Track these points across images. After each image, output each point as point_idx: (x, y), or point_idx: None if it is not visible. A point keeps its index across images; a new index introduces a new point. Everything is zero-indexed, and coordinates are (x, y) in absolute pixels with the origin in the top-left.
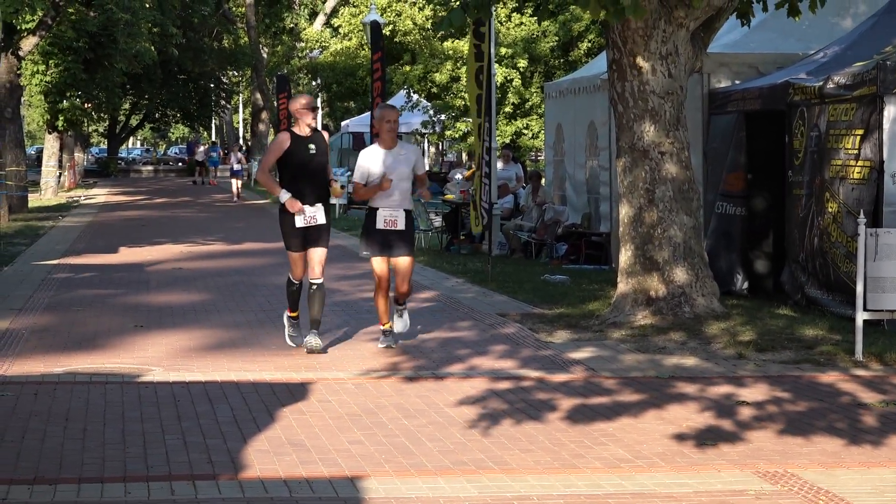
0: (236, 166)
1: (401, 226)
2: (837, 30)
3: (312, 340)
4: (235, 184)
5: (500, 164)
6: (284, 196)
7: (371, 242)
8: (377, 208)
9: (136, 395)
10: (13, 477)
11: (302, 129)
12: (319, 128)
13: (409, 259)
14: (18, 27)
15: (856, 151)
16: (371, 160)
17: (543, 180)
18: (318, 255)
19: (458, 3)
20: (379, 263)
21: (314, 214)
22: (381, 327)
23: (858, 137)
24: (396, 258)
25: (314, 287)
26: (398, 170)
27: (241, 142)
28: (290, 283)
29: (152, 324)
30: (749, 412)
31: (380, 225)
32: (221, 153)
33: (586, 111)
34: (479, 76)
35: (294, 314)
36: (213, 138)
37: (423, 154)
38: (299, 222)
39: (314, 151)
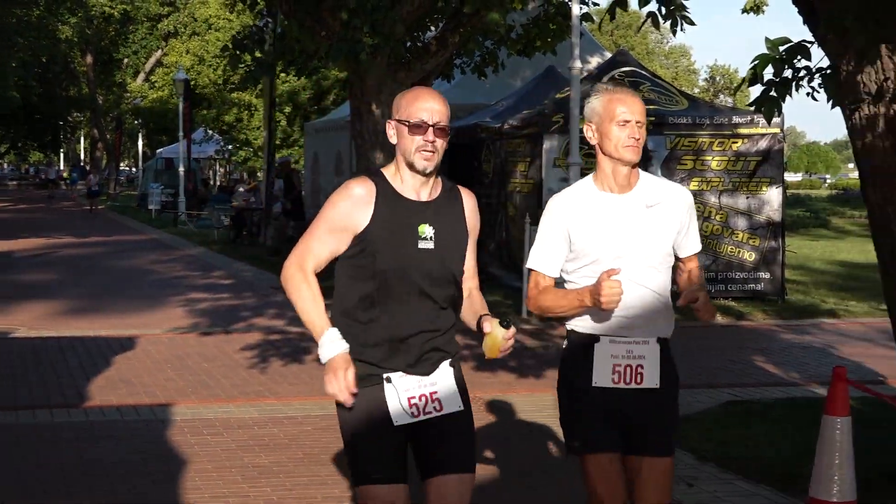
0: (95, 187)
1: (651, 381)
2: (511, 87)
3: None
4: (92, 203)
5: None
6: (333, 349)
7: (586, 420)
8: (596, 337)
9: (3, 347)
10: None
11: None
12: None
13: (666, 461)
14: None
15: (526, 173)
16: (577, 219)
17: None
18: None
19: (244, 68)
20: (603, 469)
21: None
22: None
23: (527, 163)
24: (646, 457)
25: None
26: (644, 239)
27: (100, 165)
28: None
29: (19, 296)
30: None
31: (605, 378)
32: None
33: (335, 143)
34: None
35: None
36: (62, 163)
37: (214, 175)
38: (401, 418)
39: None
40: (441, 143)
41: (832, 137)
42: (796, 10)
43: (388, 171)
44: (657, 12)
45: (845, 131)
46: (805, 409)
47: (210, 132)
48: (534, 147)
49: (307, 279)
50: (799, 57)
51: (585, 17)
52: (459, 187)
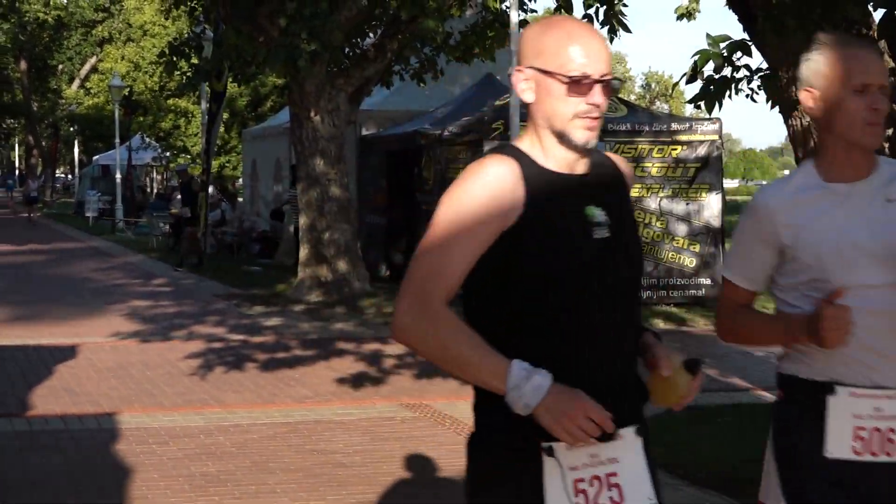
0: (33, 194)
1: None
2: (449, 94)
3: None
4: (30, 210)
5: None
6: (542, 380)
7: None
8: (829, 386)
9: None
10: None
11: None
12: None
13: None
14: None
15: None
16: (793, 218)
17: (241, 199)
18: None
19: (181, 74)
20: None
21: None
22: None
23: None
24: None
25: None
26: (886, 246)
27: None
28: None
29: None
30: (392, 362)
31: (843, 448)
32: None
33: (274, 150)
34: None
35: None
36: None
37: (151, 182)
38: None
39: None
40: (605, 105)
41: (767, 144)
42: (734, 14)
43: (523, 144)
44: (593, 16)
45: (781, 138)
46: (750, 413)
47: (147, 139)
48: (474, 154)
49: (441, 317)
50: (740, 54)
51: (523, 23)
52: (606, 152)
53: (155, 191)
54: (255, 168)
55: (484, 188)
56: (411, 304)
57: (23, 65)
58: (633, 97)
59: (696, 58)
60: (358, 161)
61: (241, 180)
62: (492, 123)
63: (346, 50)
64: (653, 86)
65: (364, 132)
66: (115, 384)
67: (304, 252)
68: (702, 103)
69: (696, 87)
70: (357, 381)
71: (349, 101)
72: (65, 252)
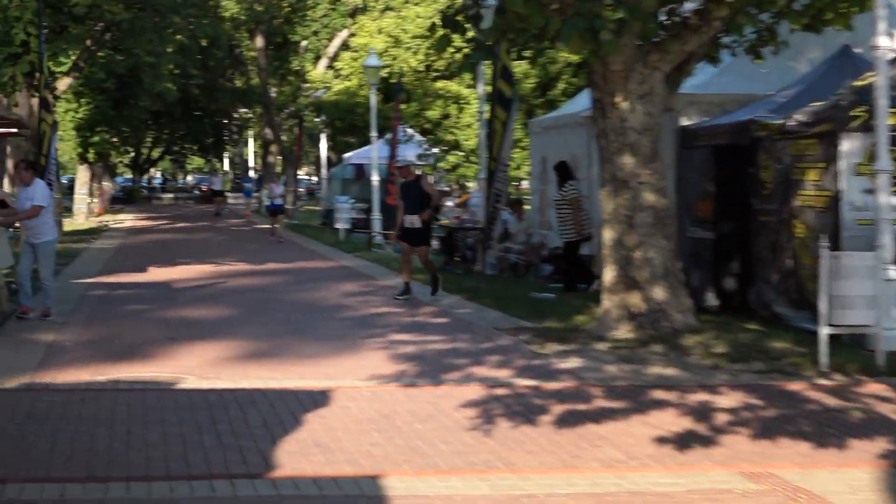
0: (277, 201)
1: None
2: (793, 73)
3: None
4: (274, 222)
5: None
6: None
7: None
8: None
9: (174, 401)
10: (67, 476)
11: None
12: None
13: None
14: (54, 70)
15: (818, 182)
16: None
17: (528, 207)
18: None
19: (455, 51)
20: None
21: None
22: None
23: (820, 170)
24: None
25: None
26: None
27: (273, 173)
28: None
29: (184, 336)
30: (726, 417)
31: None
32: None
33: (567, 145)
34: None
35: None
36: (227, 168)
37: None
38: None
39: None
40: None
41: None
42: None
43: None
44: None
45: None
46: None
47: (409, 132)
48: (828, 149)
49: None
50: None
51: None
52: None
53: None
54: (546, 168)
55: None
56: None
57: (259, 41)
58: None
59: None
60: (677, 159)
61: (526, 182)
62: (850, 110)
63: (661, 18)
64: None
65: (685, 122)
66: (378, 439)
67: (609, 276)
68: None
69: None
70: (682, 441)
71: (665, 83)
72: (311, 273)
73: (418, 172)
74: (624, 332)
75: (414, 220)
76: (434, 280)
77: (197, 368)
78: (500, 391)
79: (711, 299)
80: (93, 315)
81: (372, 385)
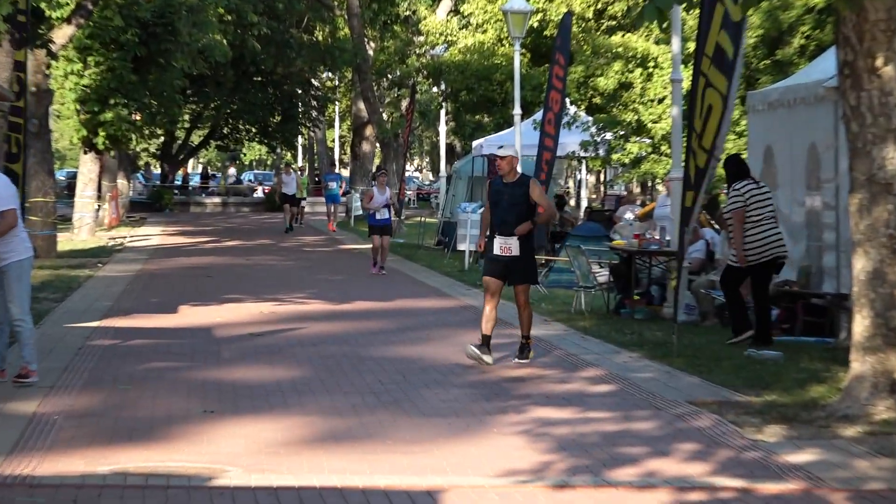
0: (385, 214)
1: None
2: None
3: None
4: (379, 245)
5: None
6: None
7: None
8: None
9: (209, 503)
10: None
11: None
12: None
13: None
14: (49, 14)
15: None
16: None
17: None
18: None
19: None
20: None
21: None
22: None
23: None
24: None
25: None
26: None
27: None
28: None
29: (226, 408)
30: None
31: None
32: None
33: (805, 130)
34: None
35: None
36: (300, 161)
37: (581, 185)
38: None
39: None
40: None
41: None
42: None
43: None
44: None
45: None
46: None
47: (572, 109)
48: None
49: None
50: None
51: None
52: None
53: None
54: (772, 160)
55: None
56: None
57: None
58: None
59: None
60: None
61: None
62: None
63: None
64: None
65: None
66: None
67: (862, 325)
68: None
69: None
70: None
71: None
72: (418, 316)
73: (520, 170)
74: (883, 409)
75: (511, 246)
76: (525, 339)
77: (245, 456)
78: (695, 496)
79: None
80: (95, 375)
81: (504, 484)
